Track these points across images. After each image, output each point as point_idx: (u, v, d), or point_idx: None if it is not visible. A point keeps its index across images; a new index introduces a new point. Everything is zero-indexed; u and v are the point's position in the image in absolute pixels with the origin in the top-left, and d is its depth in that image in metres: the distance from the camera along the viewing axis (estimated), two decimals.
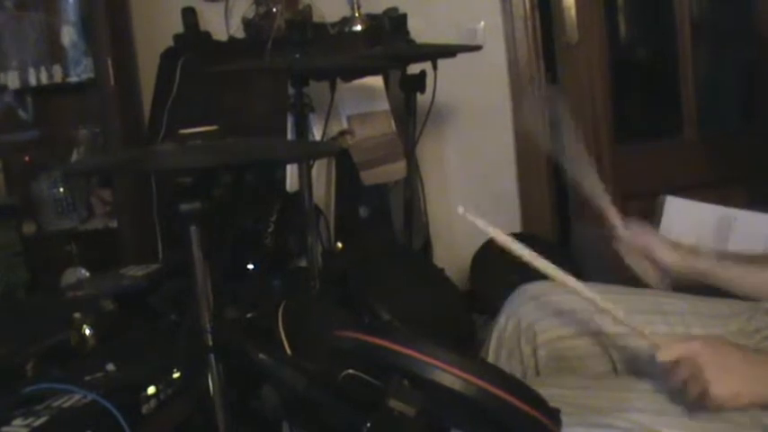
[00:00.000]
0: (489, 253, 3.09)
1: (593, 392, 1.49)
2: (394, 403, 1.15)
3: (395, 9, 3.30)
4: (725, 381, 1.32)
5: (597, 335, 1.66)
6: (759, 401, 1.34)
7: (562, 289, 1.70)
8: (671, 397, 1.41)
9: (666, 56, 3.59)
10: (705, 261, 1.69)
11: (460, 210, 1.39)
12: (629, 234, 1.75)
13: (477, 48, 2.90)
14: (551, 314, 1.68)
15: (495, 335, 1.74)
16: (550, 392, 1.22)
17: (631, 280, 1.75)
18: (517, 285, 1.77)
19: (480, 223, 1.42)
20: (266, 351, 1.53)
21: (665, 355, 1.38)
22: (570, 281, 1.49)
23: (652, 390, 1.45)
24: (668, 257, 1.70)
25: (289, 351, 1.75)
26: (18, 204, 3.42)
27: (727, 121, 3.82)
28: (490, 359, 1.73)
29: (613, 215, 1.77)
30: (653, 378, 1.49)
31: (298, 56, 2.58)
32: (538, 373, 1.69)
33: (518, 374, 1.67)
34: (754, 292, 1.66)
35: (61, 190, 3.39)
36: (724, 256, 1.75)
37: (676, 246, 1.72)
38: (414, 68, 2.80)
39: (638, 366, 1.59)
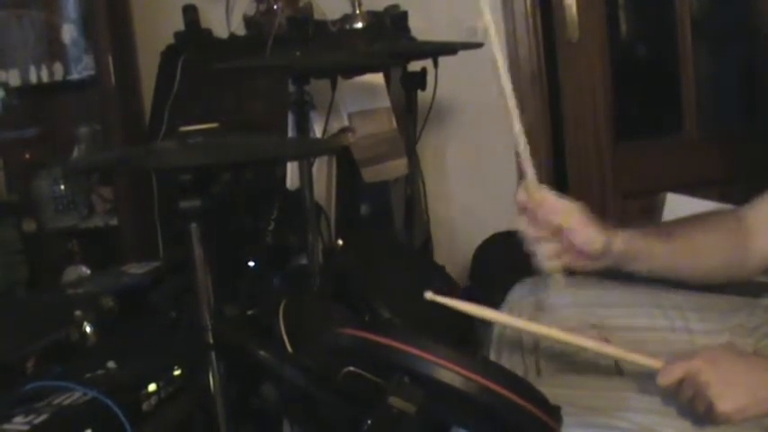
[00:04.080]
0: (490, 250, 3.09)
1: (594, 392, 1.48)
2: (394, 401, 1.15)
3: (396, 6, 3.30)
4: (730, 396, 1.30)
5: (597, 328, 1.65)
6: (766, 410, 1.33)
7: (563, 284, 1.70)
8: (671, 397, 1.41)
9: (667, 54, 3.59)
10: (626, 240, 1.50)
11: (428, 295, 1.33)
12: (540, 202, 1.46)
13: (479, 45, 2.89)
14: (551, 307, 1.68)
15: (495, 333, 1.74)
16: (550, 392, 1.22)
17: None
18: (517, 282, 1.76)
19: (449, 303, 1.36)
20: (267, 348, 1.53)
21: (665, 379, 1.34)
22: (548, 331, 1.44)
23: (652, 390, 1.45)
24: (594, 238, 1.46)
25: (289, 348, 1.75)
26: (18, 202, 3.43)
27: (728, 119, 3.82)
28: (491, 356, 1.73)
29: (530, 171, 1.48)
30: (653, 378, 1.49)
31: (298, 53, 2.57)
32: (539, 371, 1.69)
33: (519, 371, 1.67)
34: (675, 270, 1.57)
35: (62, 187, 3.39)
36: (645, 232, 1.57)
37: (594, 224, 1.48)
38: (415, 66, 2.80)
39: (639, 373, 1.59)
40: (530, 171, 1.47)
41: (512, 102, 1.46)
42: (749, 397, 1.32)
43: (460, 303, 1.36)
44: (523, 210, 1.46)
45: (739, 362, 1.38)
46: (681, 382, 1.34)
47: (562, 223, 1.45)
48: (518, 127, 1.50)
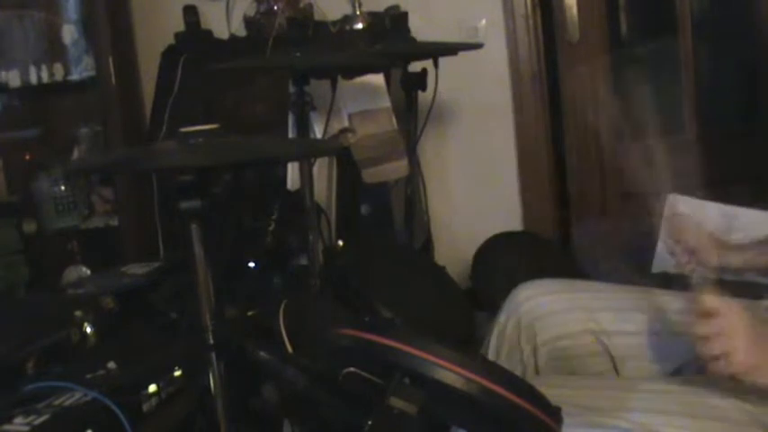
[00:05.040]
0: (490, 251, 3.09)
1: (594, 392, 1.49)
2: (395, 401, 1.15)
3: (396, 7, 3.30)
4: (752, 351, 1.31)
5: (597, 333, 1.66)
6: None
7: (562, 287, 1.70)
8: (671, 397, 1.41)
9: (667, 54, 3.59)
10: (739, 255, 1.63)
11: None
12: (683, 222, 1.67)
13: (479, 46, 2.90)
14: (551, 313, 1.68)
15: (495, 333, 1.74)
16: (550, 392, 1.22)
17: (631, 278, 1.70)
18: (518, 283, 1.76)
19: None
20: (267, 349, 1.53)
21: (708, 300, 1.35)
22: None
23: (652, 390, 1.45)
24: (713, 259, 1.62)
25: (290, 349, 1.75)
26: (19, 203, 3.43)
27: (728, 119, 3.82)
28: (490, 358, 1.73)
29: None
30: (652, 378, 1.49)
31: (299, 54, 2.57)
32: (538, 372, 1.69)
33: (518, 371, 1.67)
34: None
35: (62, 188, 3.39)
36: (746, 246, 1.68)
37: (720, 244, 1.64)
38: (415, 66, 2.80)
39: (637, 364, 1.59)
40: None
41: None
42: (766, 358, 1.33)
43: None
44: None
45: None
46: (713, 315, 1.34)
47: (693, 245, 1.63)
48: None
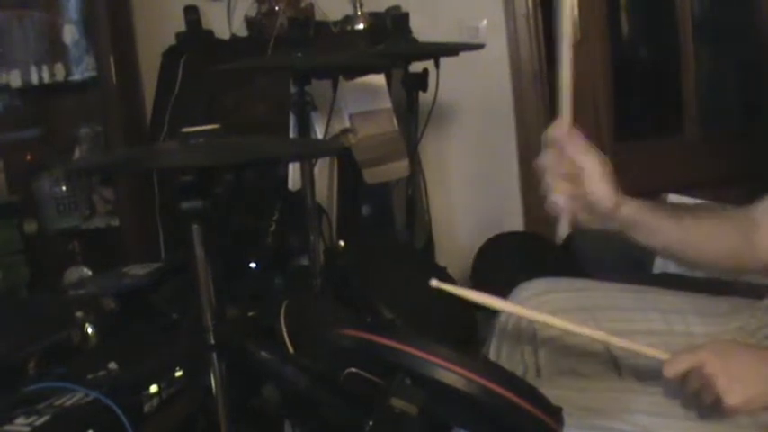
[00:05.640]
0: (491, 251, 3.09)
1: (594, 394, 1.49)
2: (396, 402, 1.15)
3: (397, 7, 3.29)
4: (736, 389, 1.30)
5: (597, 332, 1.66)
6: None
7: (562, 287, 1.70)
8: (672, 398, 1.41)
9: (668, 55, 3.59)
10: (637, 208, 1.48)
11: (433, 282, 1.33)
12: (571, 138, 1.45)
13: (480, 46, 2.90)
14: (552, 311, 1.68)
15: (495, 333, 1.74)
16: (552, 394, 1.22)
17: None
18: (519, 284, 1.76)
19: (453, 290, 1.37)
20: (268, 349, 1.53)
21: (671, 371, 1.34)
22: (555, 321, 1.45)
23: (653, 391, 1.45)
24: (605, 193, 1.43)
25: (291, 349, 1.75)
26: (20, 203, 3.42)
27: (728, 120, 3.82)
28: (491, 357, 1.73)
29: (567, 110, 1.45)
30: (654, 379, 1.49)
31: (300, 54, 2.57)
32: (538, 371, 1.69)
33: (519, 372, 1.67)
34: (681, 250, 1.55)
35: (63, 188, 3.39)
36: (656, 208, 1.56)
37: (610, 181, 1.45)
38: (416, 67, 2.80)
39: (638, 363, 1.59)
40: (567, 110, 1.45)
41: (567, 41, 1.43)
42: (757, 388, 1.32)
43: (465, 291, 1.36)
44: (552, 143, 1.45)
45: (745, 353, 1.38)
46: (687, 374, 1.33)
47: (583, 166, 1.43)
48: (567, 66, 1.43)
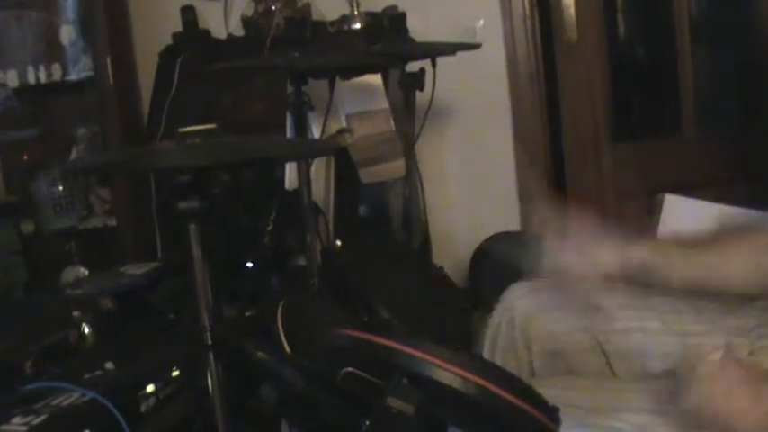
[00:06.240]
0: (488, 251, 3.09)
1: (591, 393, 1.49)
2: (393, 401, 1.15)
3: (394, 7, 3.29)
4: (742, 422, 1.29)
5: (590, 331, 1.66)
6: None
7: (556, 285, 1.70)
8: (668, 397, 1.41)
9: (665, 55, 3.59)
10: (639, 251, 1.51)
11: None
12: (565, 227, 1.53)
13: (477, 46, 2.90)
14: (545, 310, 1.68)
15: (489, 333, 1.75)
16: (548, 393, 1.22)
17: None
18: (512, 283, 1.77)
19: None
20: (265, 349, 1.53)
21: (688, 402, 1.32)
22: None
23: (650, 390, 1.45)
24: (606, 255, 1.50)
25: (288, 349, 1.75)
26: (17, 203, 3.42)
27: (726, 120, 3.82)
28: (485, 355, 1.73)
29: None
30: (650, 377, 1.49)
31: (297, 54, 2.57)
32: (533, 370, 1.69)
33: (513, 370, 1.67)
34: (695, 279, 1.55)
35: (60, 188, 3.39)
36: (663, 242, 1.60)
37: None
38: (413, 67, 2.80)
39: (632, 362, 1.59)
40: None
41: None
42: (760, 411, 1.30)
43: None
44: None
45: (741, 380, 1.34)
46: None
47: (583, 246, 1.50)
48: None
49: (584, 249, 1.50)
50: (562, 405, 1.22)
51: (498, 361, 1.71)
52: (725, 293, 1.60)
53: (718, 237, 1.59)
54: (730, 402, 1.29)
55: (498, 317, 1.73)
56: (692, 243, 1.57)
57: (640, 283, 1.54)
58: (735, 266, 1.54)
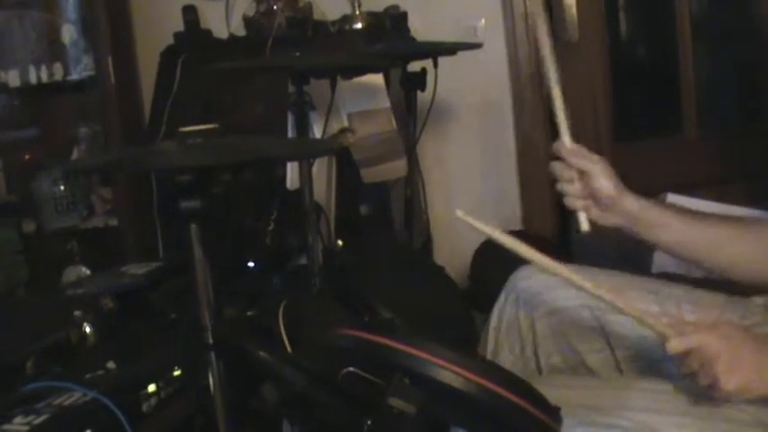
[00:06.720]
0: (490, 251, 3.09)
1: (595, 391, 1.49)
2: (394, 401, 1.15)
3: (395, 7, 3.30)
4: (735, 374, 1.31)
5: (594, 310, 1.66)
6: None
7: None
8: (673, 396, 1.41)
9: (667, 54, 3.59)
10: (640, 202, 1.59)
11: (459, 213, 1.37)
12: (571, 151, 1.60)
13: (478, 45, 2.90)
14: (548, 288, 1.69)
15: (495, 312, 1.76)
16: (550, 391, 1.22)
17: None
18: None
19: (479, 225, 1.40)
20: (266, 349, 1.53)
21: (675, 347, 1.35)
22: (570, 274, 1.46)
23: (653, 388, 1.46)
24: (607, 186, 1.57)
25: (289, 349, 1.75)
26: (18, 203, 3.43)
27: (727, 120, 3.82)
28: (490, 334, 1.75)
29: (565, 130, 1.63)
30: (655, 376, 1.49)
31: (298, 54, 2.57)
32: (540, 369, 1.69)
33: (517, 370, 1.68)
34: (692, 249, 1.61)
35: (62, 188, 3.39)
36: (665, 206, 1.67)
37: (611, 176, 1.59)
38: (414, 66, 2.80)
39: (632, 344, 1.60)
40: (565, 128, 1.63)
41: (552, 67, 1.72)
42: (754, 378, 1.33)
43: (491, 229, 1.41)
44: (558, 155, 1.60)
45: (750, 342, 1.38)
46: (689, 353, 1.34)
47: (586, 168, 1.58)
48: (556, 89, 1.70)
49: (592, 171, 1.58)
50: (566, 403, 1.22)
51: (503, 338, 1.73)
52: (708, 269, 1.64)
53: (724, 219, 1.65)
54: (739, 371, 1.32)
55: (504, 296, 1.75)
56: (693, 214, 1.63)
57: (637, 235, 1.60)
58: (728, 248, 1.59)
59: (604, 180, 1.57)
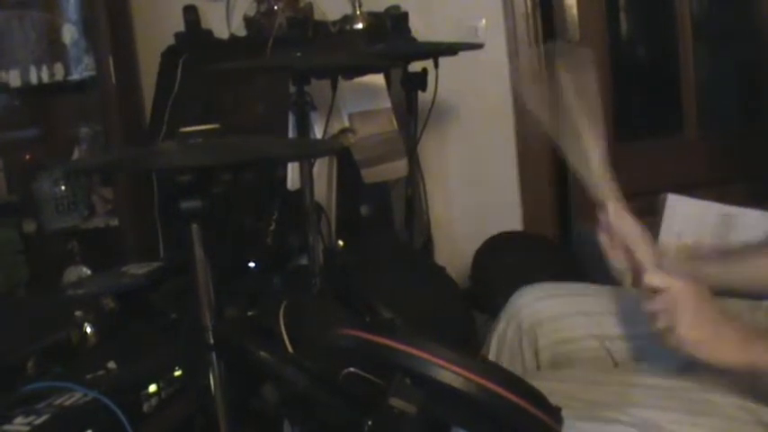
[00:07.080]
0: (490, 251, 3.09)
1: (596, 387, 1.49)
2: (395, 401, 1.15)
3: (396, 7, 3.30)
4: (695, 329, 1.34)
5: (599, 338, 1.65)
6: (715, 361, 1.34)
7: (562, 291, 1.70)
8: (672, 393, 1.41)
9: (667, 54, 3.59)
10: (684, 263, 1.60)
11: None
12: (618, 224, 1.58)
13: (479, 46, 2.90)
14: (552, 317, 1.68)
15: (495, 338, 1.74)
16: (552, 387, 1.22)
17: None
18: (518, 284, 1.76)
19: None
20: (267, 349, 1.53)
21: (650, 279, 1.39)
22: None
23: (654, 385, 1.46)
24: (648, 259, 1.54)
25: (290, 349, 1.75)
26: (19, 202, 3.43)
27: (727, 120, 3.82)
28: (492, 352, 1.73)
29: (612, 202, 1.61)
30: (655, 374, 1.49)
31: (299, 54, 2.57)
32: (539, 365, 1.69)
33: (519, 366, 1.67)
34: (742, 284, 1.62)
35: (62, 188, 3.39)
36: (704, 253, 1.70)
37: (662, 249, 1.59)
38: (415, 66, 2.80)
39: (641, 368, 1.59)
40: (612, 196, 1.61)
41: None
42: (710, 339, 1.34)
43: None
44: (605, 226, 1.58)
45: (714, 304, 1.40)
46: (658, 292, 1.37)
47: (630, 239, 1.55)
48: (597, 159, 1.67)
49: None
50: (567, 399, 1.22)
51: (505, 356, 1.71)
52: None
53: (751, 247, 1.68)
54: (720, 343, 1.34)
55: (504, 323, 1.72)
56: (725, 255, 1.66)
57: None
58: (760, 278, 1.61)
59: (645, 251, 1.55)
